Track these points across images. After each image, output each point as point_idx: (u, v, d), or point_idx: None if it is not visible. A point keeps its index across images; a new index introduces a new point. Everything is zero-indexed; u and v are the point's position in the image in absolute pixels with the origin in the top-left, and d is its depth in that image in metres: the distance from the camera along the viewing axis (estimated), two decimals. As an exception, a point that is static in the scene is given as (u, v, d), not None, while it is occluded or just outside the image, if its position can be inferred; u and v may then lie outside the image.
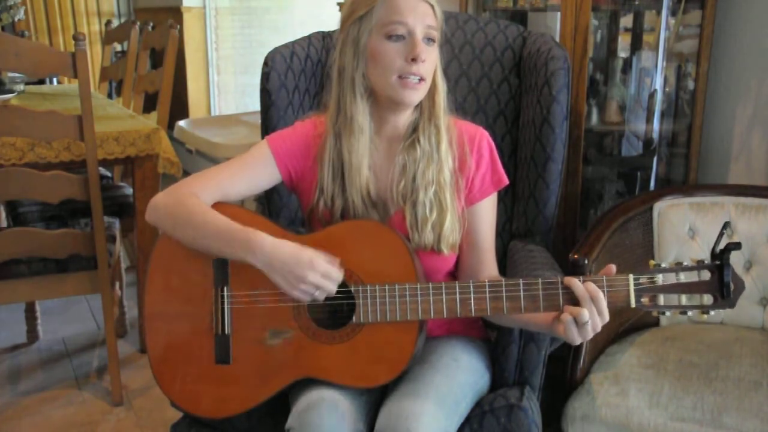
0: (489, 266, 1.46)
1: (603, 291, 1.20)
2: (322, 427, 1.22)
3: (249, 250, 1.27)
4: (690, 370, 1.63)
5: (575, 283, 1.20)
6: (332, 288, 1.26)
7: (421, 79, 1.32)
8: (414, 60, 1.29)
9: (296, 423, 1.25)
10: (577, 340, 1.21)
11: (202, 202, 1.34)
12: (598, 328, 1.21)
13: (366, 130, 1.37)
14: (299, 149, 1.42)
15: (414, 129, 1.40)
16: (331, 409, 1.25)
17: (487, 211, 1.45)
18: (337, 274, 1.26)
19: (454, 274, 1.48)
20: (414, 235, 1.37)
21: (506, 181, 1.45)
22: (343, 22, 1.37)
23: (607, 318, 1.20)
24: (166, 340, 1.39)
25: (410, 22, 1.30)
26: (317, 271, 1.24)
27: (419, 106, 1.39)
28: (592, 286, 1.19)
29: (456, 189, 1.40)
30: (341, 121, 1.37)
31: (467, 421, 1.37)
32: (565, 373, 1.68)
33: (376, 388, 1.33)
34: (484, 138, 1.43)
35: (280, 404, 1.36)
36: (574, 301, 1.21)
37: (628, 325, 1.85)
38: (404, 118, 1.40)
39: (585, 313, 1.18)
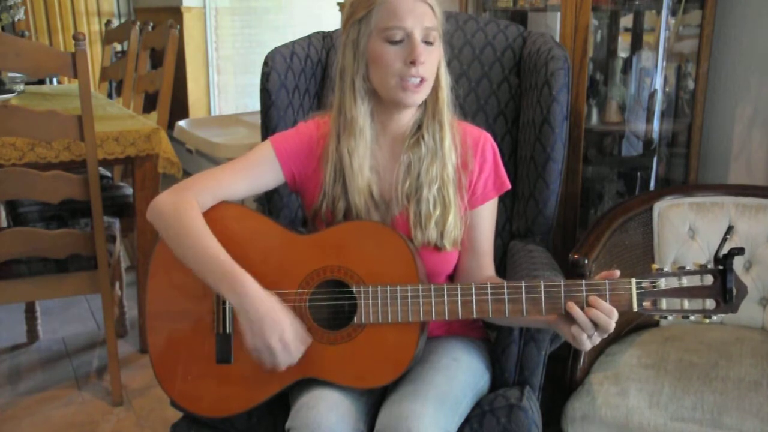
0: (487, 270, 1.46)
1: (605, 295, 1.21)
2: (322, 427, 1.22)
3: (232, 289, 1.25)
4: (690, 370, 1.63)
5: (600, 303, 1.20)
6: (283, 361, 1.26)
7: (422, 81, 1.32)
8: (413, 63, 1.29)
9: (296, 423, 1.25)
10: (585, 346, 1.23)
11: (201, 218, 1.32)
12: (598, 340, 1.22)
13: (367, 132, 1.37)
14: (303, 151, 1.42)
15: (418, 127, 1.40)
16: (332, 409, 1.25)
17: (487, 214, 1.45)
18: (297, 353, 1.26)
19: (451, 277, 1.48)
20: (417, 232, 1.37)
21: (508, 185, 1.45)
22: (344, 23, 1.37)
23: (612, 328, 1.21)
24: (167, 339, 1.39)
25: (408, 26, 1.29)
26: (281, 341, 1.24)
27: (423, 104, 1.39)
28: (606, 306, 1.20)
29: (459, 186, 1.41)
30: (342, 123, 1.37)
31: (467, 421, 1.37)
32: (565, 373, 1.68)
33: (377, 388, 1.33)
34: (488, 142, 1.43)
35: (280, 404, 1.36)
36: (577, 303, 1.21)
37: (629, 327, 1.85)
38: (408, 117, 1.40)
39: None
